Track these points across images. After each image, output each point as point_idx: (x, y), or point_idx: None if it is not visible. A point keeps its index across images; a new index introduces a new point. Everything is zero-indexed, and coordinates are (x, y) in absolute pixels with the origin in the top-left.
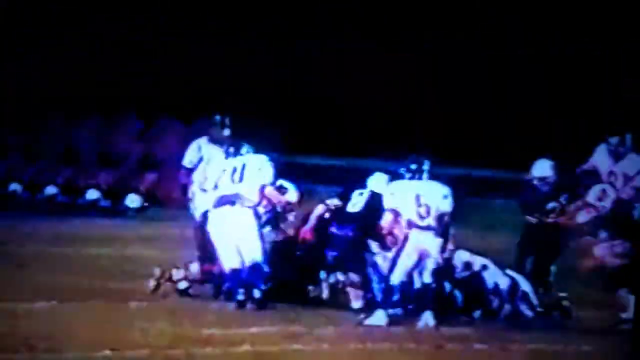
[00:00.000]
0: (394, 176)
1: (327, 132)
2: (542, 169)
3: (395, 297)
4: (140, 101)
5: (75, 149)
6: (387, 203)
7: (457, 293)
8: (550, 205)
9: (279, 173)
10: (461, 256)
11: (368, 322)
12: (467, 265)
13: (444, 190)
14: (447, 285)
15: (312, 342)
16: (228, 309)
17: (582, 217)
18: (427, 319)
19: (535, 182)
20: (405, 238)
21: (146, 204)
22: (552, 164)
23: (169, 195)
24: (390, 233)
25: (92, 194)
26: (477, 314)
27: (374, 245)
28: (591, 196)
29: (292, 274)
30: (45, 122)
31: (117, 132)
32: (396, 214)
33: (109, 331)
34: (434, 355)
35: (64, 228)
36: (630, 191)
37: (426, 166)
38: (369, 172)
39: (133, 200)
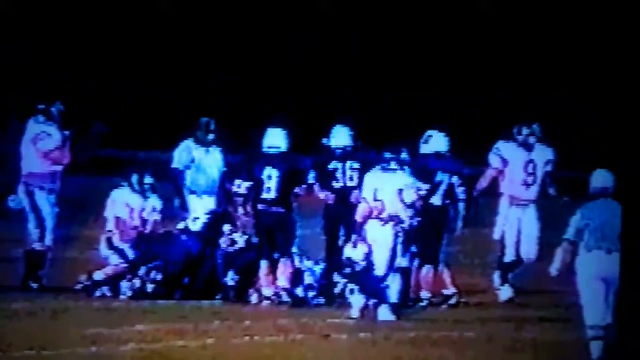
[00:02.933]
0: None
1: None
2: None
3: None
4: None
5: None
6: (364, 192)
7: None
8: None
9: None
10: None
11: (379, 318)
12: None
13: (409, 182)
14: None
15: (198, 337)
16: (114, 308)
17: None
18: (384, 313)
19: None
20: (364, 229)
21: None
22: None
23: None
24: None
25: None
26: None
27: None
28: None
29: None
30: None
31: None
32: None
33: None
34: (319, 345)
35: None
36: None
37: (404, 155)
38: None
39: None
